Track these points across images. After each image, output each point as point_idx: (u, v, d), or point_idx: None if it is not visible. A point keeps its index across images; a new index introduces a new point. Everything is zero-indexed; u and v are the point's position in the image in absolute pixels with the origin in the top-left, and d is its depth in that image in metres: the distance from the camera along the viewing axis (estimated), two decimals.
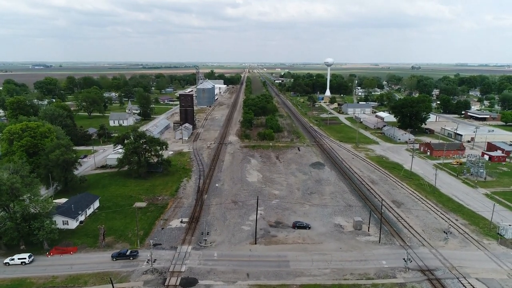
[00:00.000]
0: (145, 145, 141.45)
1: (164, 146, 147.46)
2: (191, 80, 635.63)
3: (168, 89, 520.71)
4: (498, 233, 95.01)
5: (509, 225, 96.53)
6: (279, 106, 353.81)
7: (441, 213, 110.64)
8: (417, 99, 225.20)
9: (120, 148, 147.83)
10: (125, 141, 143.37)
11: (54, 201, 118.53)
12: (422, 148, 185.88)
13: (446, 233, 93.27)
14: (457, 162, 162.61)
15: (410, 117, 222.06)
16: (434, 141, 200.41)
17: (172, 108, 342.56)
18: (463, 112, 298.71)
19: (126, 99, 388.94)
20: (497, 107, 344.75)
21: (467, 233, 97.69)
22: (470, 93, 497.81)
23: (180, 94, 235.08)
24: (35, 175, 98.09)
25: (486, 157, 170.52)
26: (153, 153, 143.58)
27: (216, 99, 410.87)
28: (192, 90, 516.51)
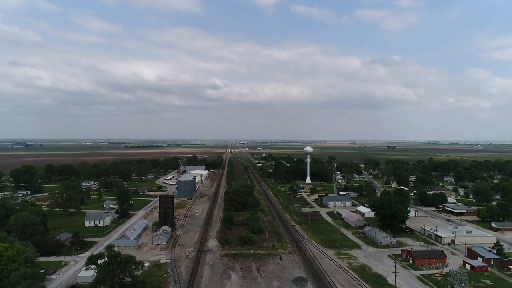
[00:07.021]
0: (120, 264, 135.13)
1: (140, 266, 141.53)
2: (172, 164, 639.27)
3: (149, 176, 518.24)
4: None
5: None
6: (260, 197, 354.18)
7: None
8: (395, 199, 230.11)
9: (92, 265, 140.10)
10: (99, 262, 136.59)
11: None
12: (404, 255, 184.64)
13: None
14: (440, 274, 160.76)
15: (390, 217, 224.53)
16: (415, 245, 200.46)
17: (152, 201, 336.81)
18: (440, 206, 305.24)
19: (105, 189, 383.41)
20: (471, 197, 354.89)
21: None
22: (445, 179, 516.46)
23: (160, 196, 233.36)
24: None
25: (468, 266, 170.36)
26: (127, 274, 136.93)
27: (197, 189, 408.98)
28: (173, 177, 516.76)
